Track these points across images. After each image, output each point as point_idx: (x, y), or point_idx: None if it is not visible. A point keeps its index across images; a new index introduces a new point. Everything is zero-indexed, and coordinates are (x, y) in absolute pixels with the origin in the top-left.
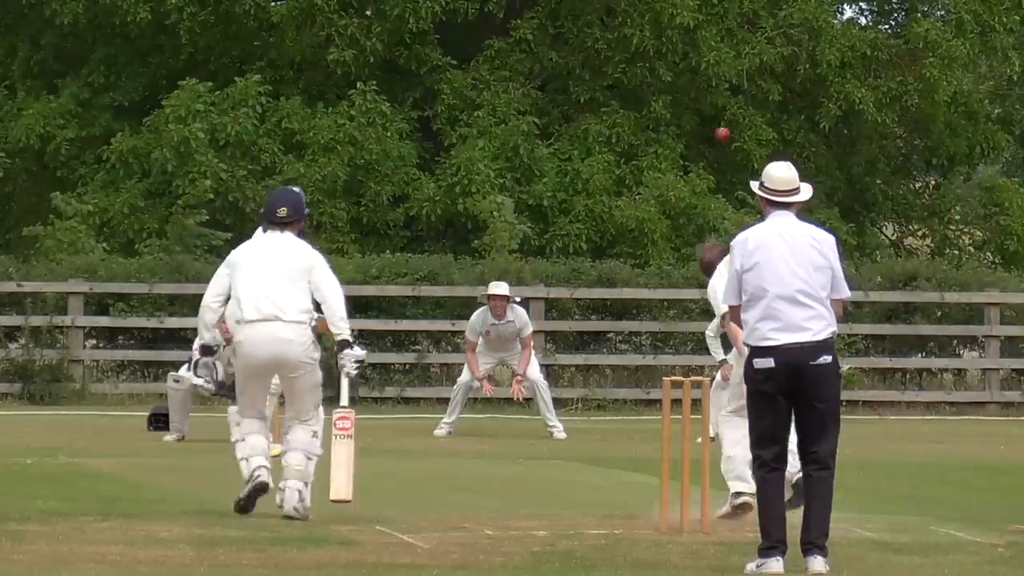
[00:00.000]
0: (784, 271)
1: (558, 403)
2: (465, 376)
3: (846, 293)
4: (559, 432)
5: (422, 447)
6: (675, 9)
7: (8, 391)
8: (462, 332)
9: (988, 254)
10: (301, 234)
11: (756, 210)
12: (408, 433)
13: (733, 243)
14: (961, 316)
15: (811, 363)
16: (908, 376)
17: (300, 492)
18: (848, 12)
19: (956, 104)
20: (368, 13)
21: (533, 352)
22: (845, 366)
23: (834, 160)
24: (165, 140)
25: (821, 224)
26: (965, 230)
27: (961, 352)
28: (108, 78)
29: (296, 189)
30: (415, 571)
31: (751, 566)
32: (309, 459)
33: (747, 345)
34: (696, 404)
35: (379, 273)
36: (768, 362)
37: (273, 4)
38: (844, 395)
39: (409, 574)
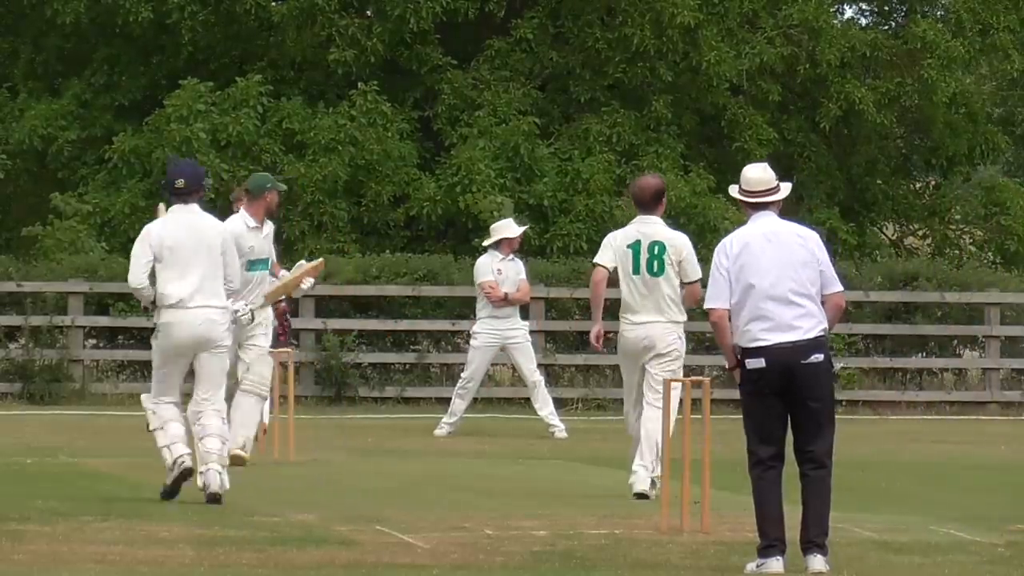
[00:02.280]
0: (771, 270)
1: (558, 403)
2: (467, 372)
3: (839, 287)
4: (560, 432)
5: (422, 447)
6: (676, 9)
7: (8, 391)
8: (462, 332)
9: (988, 254)
10: (201, 201)
11: None
12: (408, 433)
13: (717, 248)
14: (961, 316)
15: (803, 362)
16: (908, 376)
17: (221, 474)
18: (848, 12)
19: (956, 104)
20: (368, 13)
21: (532, 348)
22: (839, 363)
23: (834, 160)
24: (167, 140)
25: (820, 224)
26: (965, 230)
27: (961, 352)
28: (110, 78)
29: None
30: (415, 571)
31: (751, 566)
32: (224, 443)
33: (738, 346)
34: (696, 403)
35: (379, 273)
36: (759, 362)
37: (274, 4)
38: (844, 395)
39: (409, 574)
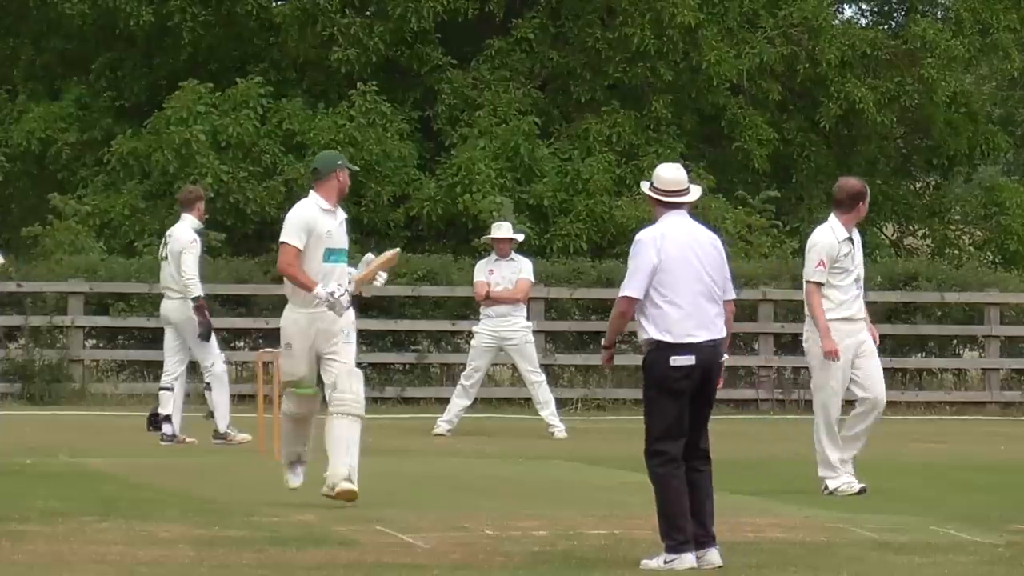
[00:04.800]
0: (699, 269)
1: (558, 403)
2: (468, 370)
3: (733, 295)
4: (560, 432)
5: (422, 447)
6: (676, 9)
7: (8, 391)
8: (462, 332)
9: (988, 254)
10: None
11: (756, 209)
12: (408, 433)
13: (642, 238)
14: (961, 316)
15: (720, 361)
16: (908, 376)
17: None
18: (848, 11)
19: (956, 104)
20: (369, 13)
21: (532, 349)
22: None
23: (834, 160)
24: (166, 142)
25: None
26: (965, 230)
27: (961, 352)
28: (110, 80)
29: None
30: (415, 571)
31: (658, 562)
32: None
33: (662, 342)
34: None
35: None
36: (689, 360)
37: (275, 5)
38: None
39: (409, 574)
